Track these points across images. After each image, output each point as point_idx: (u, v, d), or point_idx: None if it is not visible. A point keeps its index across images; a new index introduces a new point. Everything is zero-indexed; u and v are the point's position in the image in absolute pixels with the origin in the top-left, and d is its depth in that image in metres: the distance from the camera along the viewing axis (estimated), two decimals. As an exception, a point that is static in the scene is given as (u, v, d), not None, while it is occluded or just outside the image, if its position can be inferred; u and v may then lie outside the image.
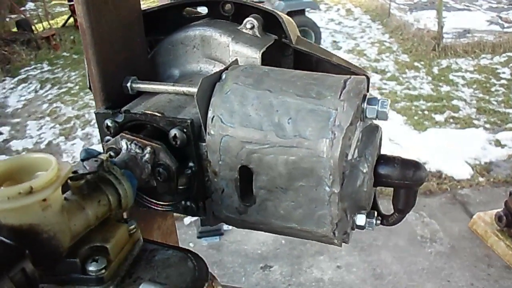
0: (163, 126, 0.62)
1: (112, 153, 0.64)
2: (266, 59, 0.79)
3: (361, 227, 0.65)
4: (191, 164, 0.63)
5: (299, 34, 0.81)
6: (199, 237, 4.34)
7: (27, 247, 0.45)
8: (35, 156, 0.48)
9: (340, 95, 0.55)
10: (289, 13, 8.20)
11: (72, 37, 10.34)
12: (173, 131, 0.61)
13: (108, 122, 0.65)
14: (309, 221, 0.59)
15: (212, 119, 0.59)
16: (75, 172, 0.53)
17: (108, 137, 0.66)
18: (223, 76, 0.62)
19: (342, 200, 0.56)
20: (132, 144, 0.62)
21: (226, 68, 0.64)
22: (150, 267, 0.53)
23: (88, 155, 0.56)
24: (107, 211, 0.55)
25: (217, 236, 4.39)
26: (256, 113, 0.58)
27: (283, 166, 0.57)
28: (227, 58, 0.73)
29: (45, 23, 11.15)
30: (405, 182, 0.58)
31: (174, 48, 0.78)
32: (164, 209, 0.68)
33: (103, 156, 0.56)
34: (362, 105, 0.57)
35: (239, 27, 0.75)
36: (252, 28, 0.74)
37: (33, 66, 9.57)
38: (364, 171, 0.56)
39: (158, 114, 0.63)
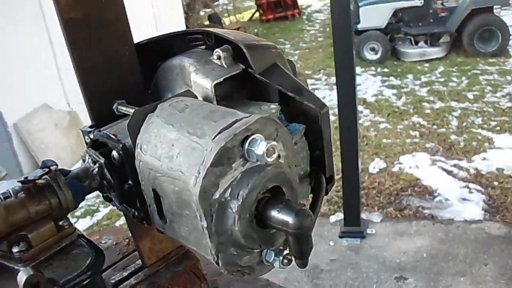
0: (110, 147, 0.75)
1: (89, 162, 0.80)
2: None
3: (270, 263, 0.67)
4: (130, 181, 0.74)
5: (279, 63, 0.83)
6: (340, 237, 4.39)
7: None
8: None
9: (216, 136, 0.59)
10: (474, 11, 7.36)
11: (255, 31, 11.20)
12: (113, 152, 0.73)
13: (86, 137, 0.81)
14: (200, 247, 0.65)
15: (136, 145, 0.69)
16: (26, 177, 0.70)
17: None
18: (157, 108, 0.71)
19: (215, 234, 0.60)
20: (90, 159, 0.77)
21: (164, 100, 0.72)
22: (64, 257, 0.68)
23: (43, 165, 0.72)
24: (48, 209, 0.70)
25: (358, 238, 4.35)
26: (160, 145, 0.66)
27: (172, 194, 0.64)
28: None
29: (232, 17, 12.27)
30: (283, 228, 0.59)
31: (165, 74, 0.89)
32: (122, 211, 0.80)
33: (53, 168, 0.72)
34: (244, 147, 0.59)
35: (211, 57, 0.82)
36: (219, 58, 0.80)
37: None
38: (234, 210, 0.59)
39: (112, 136, 0.76)
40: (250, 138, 0.59)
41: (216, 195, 0.59)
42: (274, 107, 0.77)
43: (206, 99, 0.79)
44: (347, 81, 3.50)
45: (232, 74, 0.79)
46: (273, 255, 0.66)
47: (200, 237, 0.63)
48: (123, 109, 0.85)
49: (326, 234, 4.49)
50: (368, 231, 4.39)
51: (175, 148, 0.63)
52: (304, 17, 12.83)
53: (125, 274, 0.99)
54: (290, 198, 0.66)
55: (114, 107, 0.85)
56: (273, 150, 0.59)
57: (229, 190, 0.59)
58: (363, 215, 4.44)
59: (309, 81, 8.32)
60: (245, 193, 0.59)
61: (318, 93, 7.66)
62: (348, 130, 3.64)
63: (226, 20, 12.15)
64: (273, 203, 0.61)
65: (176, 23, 8.02)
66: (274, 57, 0.83)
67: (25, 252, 0.66)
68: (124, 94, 0.86)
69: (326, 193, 0.79)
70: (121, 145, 0.72)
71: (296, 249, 0.60)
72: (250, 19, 12.73)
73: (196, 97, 0.79)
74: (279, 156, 0.65)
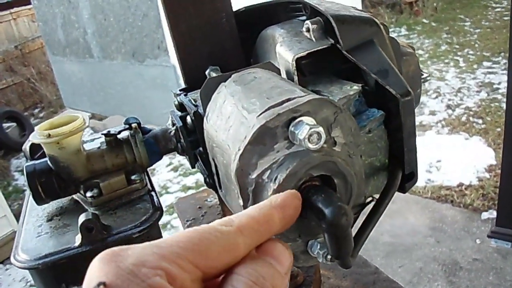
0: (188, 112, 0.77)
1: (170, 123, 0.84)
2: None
3: (314, 255, 0.63)
4: (200, 147, 0.76)
5: (376, 40, 0.74)
6: (489, 236, 3.93)
7: (54, 168, 0.73)
8: (76, 115, 0.74)
9: (261, 113, 0.56)
10: None
11: (434, 4, 10.24)
12: (188, 117, 0.75)
13: (174, 100, 0.85)
14: (243, 224, 0.63)
15: (205, 112, 0.70)
16: (109, 131, 0.77)
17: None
18: (229, 78, 0.70)
19: (252, 214, 0.58)
20: (170, 121, 0.80)
21: (239, 71, 0.71)
22: (129, 210, 0.73)
23: (126, 121, 0.78)
24: (123, 163, 0.77)
25: (509, 242, 3.83)
26: (220, 116, 0.65)
27: (223, 166, 0.63)
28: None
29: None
30: (316, 221, 0.53)
31: (262, 43, 0.87)
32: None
33: (134, 125, 0.77)
34: (290, 129, 0.55)
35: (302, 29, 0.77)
36: (308, 31, 0.75)
37: (391, 29, 10.09)
38: (269, 194, 0.55)
39: (192, 101, 0.78)
40: (297, 120, 0.54)
41: (253, 175, 0.56)
42: (355, 88, 0.70)
43: (288, 73, 0.75)
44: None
45: (317, 49, 0.73)
46: (318, 247, 0.61)
47: (242, 215, 0.62)
48: (214, 75, 0.86)
49: (474, 231, 4.06)
50: (524, 236, 3.83)
51: (230, 120, 0.62)
52: (491, -8, 11.29)
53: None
54: (343, 191, 0.59)
55: (206, 72, 0.87)
56: (318, 136, 0.53)
57: (268, 172, 0.56)
58: (520, 218, 3.87)
59: (486, 63, 7.42)
60: (282, 177, 0.55)
61: (493, 78, 6.76)
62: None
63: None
64: (314, 192, 0.55)
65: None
66: (370, 34, 0.74)
67: (96, 198, 0.73)
68: (220, 60, 0.87)
69: (404, 192, 0.70)
70: (193, 111, 0.73)
71: (330, 247, 0.55)
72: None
73: (277, 69, 0.75)
74: (335, 143, 0.59)
